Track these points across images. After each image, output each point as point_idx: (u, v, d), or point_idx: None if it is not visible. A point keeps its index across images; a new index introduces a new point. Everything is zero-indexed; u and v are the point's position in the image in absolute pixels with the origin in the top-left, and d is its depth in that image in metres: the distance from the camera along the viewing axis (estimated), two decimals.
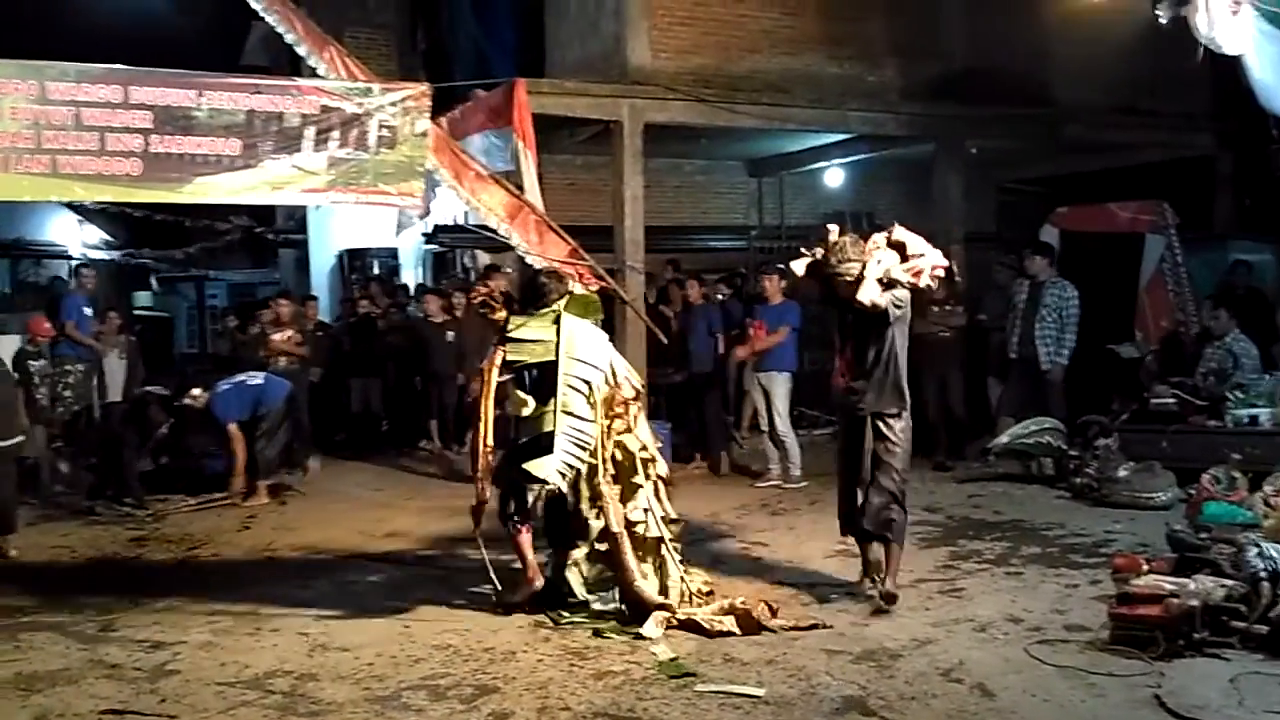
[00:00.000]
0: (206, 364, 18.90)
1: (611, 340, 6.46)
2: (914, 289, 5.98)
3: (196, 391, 9.72)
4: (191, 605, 6.30)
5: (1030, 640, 5.33)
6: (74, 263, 15.65)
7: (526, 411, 5.98)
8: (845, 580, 6.43)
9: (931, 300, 10.03)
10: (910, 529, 7.60)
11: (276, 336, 10.92)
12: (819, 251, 6.08)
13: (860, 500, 6.06)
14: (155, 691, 4.93)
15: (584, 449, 5.76)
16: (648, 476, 6.09)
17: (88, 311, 10.78)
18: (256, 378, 9.84)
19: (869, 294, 5.75)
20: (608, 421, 6.00)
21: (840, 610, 5.90)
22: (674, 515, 6.20)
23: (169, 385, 11.06)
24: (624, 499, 5.95)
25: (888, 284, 5.83)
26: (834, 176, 14.91)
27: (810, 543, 7.35)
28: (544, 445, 5.68)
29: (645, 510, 5.97)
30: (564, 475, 5.74)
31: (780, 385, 9.51)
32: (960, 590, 6.24)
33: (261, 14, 7.37)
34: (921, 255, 5.96)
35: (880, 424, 5.96)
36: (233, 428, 9.42)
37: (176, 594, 6.53)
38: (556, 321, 6.00)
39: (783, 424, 9.51)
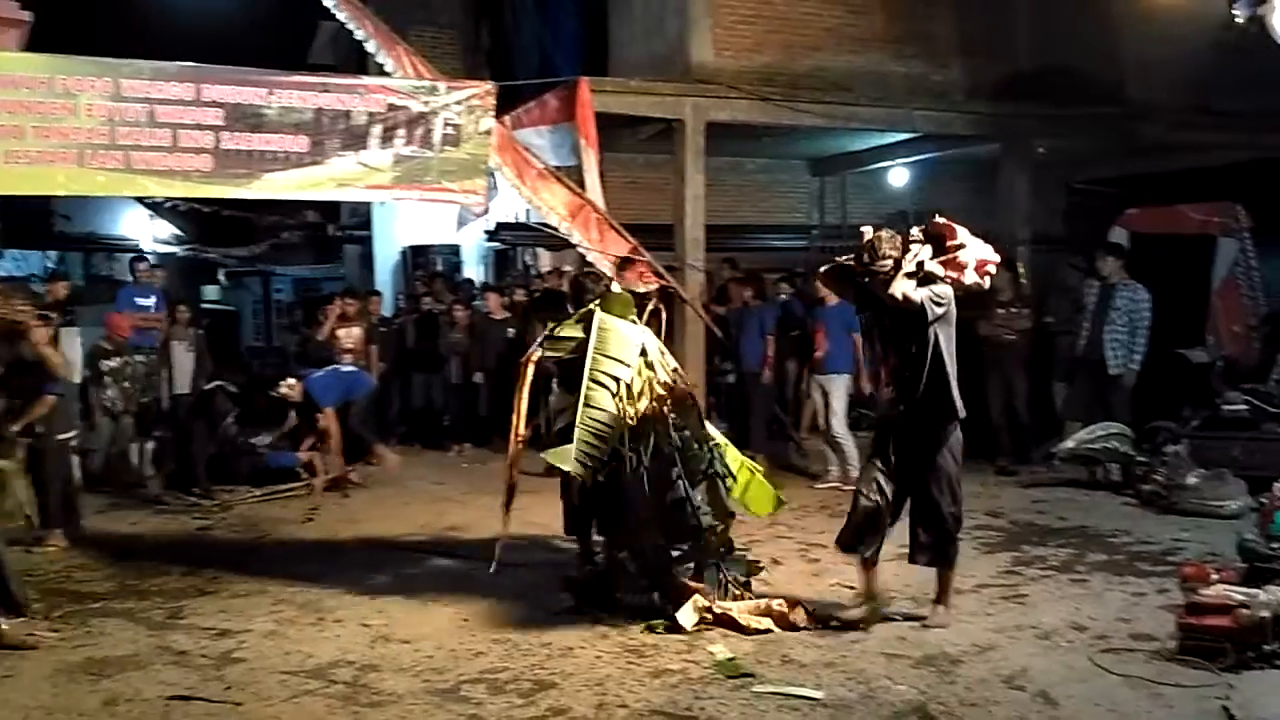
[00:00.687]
0: (272, 358, 19.22)
1: (670, 338, 6.52)
2: (961, 286, 5.51)
3: (291, 381, 9.91)
4: (256, 594, 6.41)
5: (1095, 649, 5.25)
6: (129, 256, 15.96)
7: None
8: (905, 584, 6.37)
9: (997, 302, 9.92)
10: (972, 533, 7.60)
11: (342, 333, 11.07)
12: (849, 257, 5.71)
13: (911, 525, 5.62)
14: (221, 678, 5.02)
15: (604, 442, 5.89)
16: (700, 469, 6.17)
17: (142, 302, 10.96)
18: (347, 368, 10.23)
19: (900, 288, 5.31)
20: (651, 413, 6.13)
21: (900, 614, 5.84)
22: (730, 509, 6.27)
23: (236, 378, 11.26)
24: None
25: (924, 279, 5.39)
26: (898, 176, 14.78)
27: None
28: (569, 437, 5.92)
29: (683, 500, 6.07)
30: (584, 465, 5.84)
31: (839, 386, 9.44)
32: (1023, 596, 6.16)
33: (334, 12, 7.46)
34: (962, 246, 5.45)
35: (929, 437, 5.52)
36: (329, 411, 9.75)
37: (242, 583, 6.64)
38: (588, 320, 6.23)
39: (839, 425, 9.45)
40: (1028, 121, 12.04)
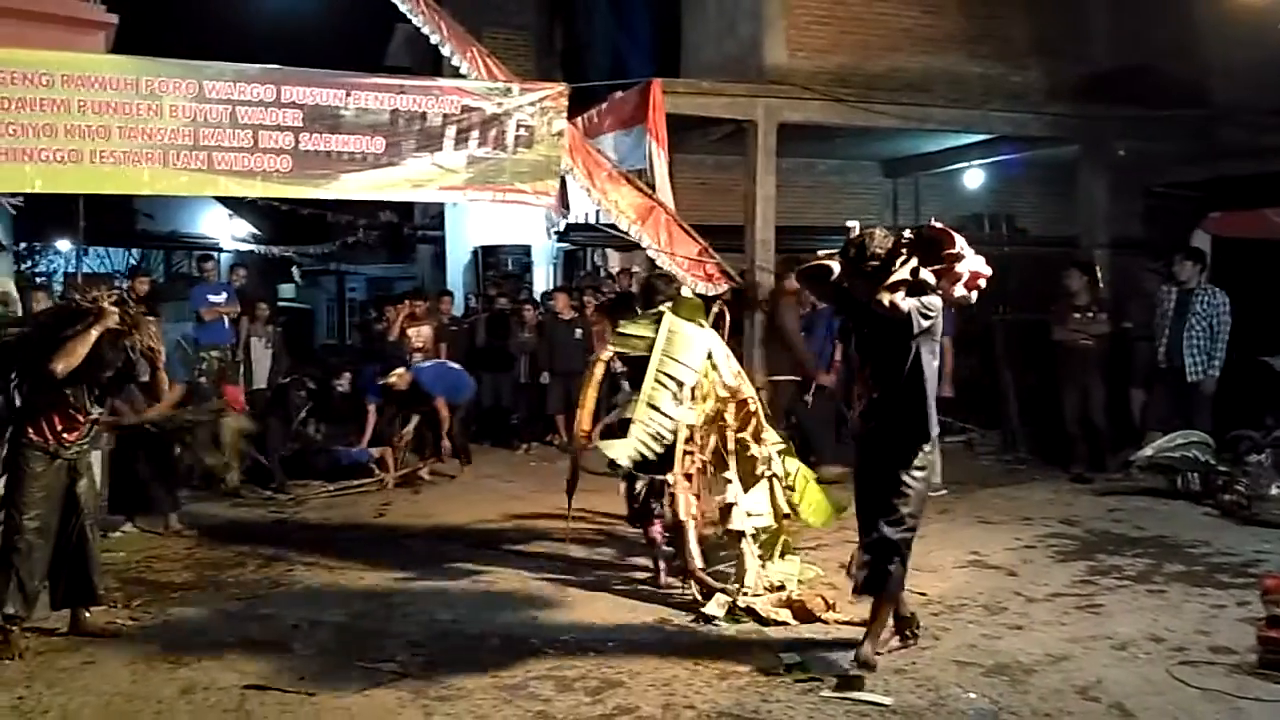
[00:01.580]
0: (346, 355, 19.52)
1: (738, 340, 6.57)
2: (950, 298, 5.05)
3: (401, 370, 10.07)
4: (330, 586, 6.51)
5: (1173, 661, 5.14)
6: (198, 255, 16.32)
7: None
8: (975, 590, 6.30)
9: (1073, 306, 9.75)
10: (1046, 541, 7.50)
11: (412, 332, 11.22)
12: (829, 253, 5.22)
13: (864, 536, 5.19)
14: (295, 669, 5.10)
15: (658, 440, 5.99)
16: (756, 473, 6.26)
17: (213, 299, 11.19)
18: (454, 365, 10.56)
19: (888, 294, 4.80)
20: (711, 417, 6.24)
21: (971, 622, 5.77)
22: (786, 511, 6.36)
23: (311, 375, 11.45)
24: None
25: (914, 288, 4.90)
26: (973, 178, 14.60)
27: (940, 552, 7.20)
28: (626, 431, 6.01)
29: (731, 504, 6.15)
30: (634, 460, 5.94)
31: None
32: (1099, 606, 6.04)
33: (409, 15, 7.56)
34: (959, 256, 4.97)
35: (895, 457, 5.03)
36: (440, 402, 9.97)
37: (315, 576, 6.76)
38: (658, 321, 6.31)
39: None
40: (1107, 123, 11.82)
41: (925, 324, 4.89)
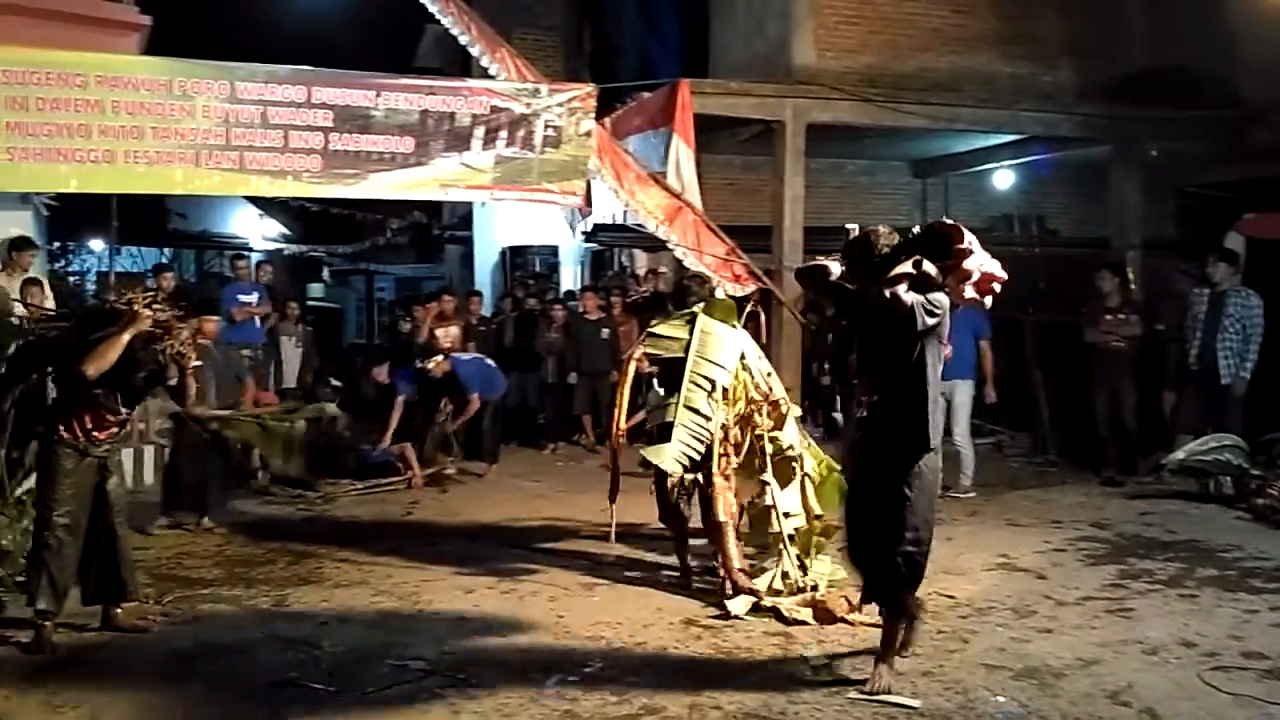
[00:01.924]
0: (373, 355, 19.61)
1: (767, 340, 6.56)
2: (959, 298, 4.83)
3: (440, 358, 10.10)
4: (358, 585, 6.54)
5: (1204, 666, 5.09)
6: (230, 254, 16.45)
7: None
8: (1004, 593, 6.26)
9: (1104, 308, 9.67)
10: (1076, 545, 7.44)
11: (440, 332, 11.25)
12: (834, 256, 4.98)
13: (862, 561, 4.96)
14: (323, 666, 5.13)
15: (701, 442, 6.03)
16: (788, 473, 6.27)
17: (244, 299, 11.26)
18: (490, 361, 10.59)
19: (890, 286, 4.54)
20: (743, 417, 6.26)
21: (1000, 625, 5.73)
22: (818, 512, 6.34)
23: (339, 375, 11.53)
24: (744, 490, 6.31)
25: (921, 284, 4.62)
26: (1002, 178, 14.52)
27: (969, 554, 7.16)
28: (667, 435, 6.02)
29: (769, 507, 6.19)
30: (680, 465, 5.99)
31: (963, 392, 9.01)
32: (1129, 610, 5.99)
33: (438, 16, 7.60)
34: (968, 253, 4.72)
35: (895, 466, 4.72)
36: (474, 397, 10.01)
37: (344, 573, 6.79)
38: (691, 322, 6.32)
39: (962, 434, 9.07)
40: (1139, 124, 11.74)
41: (930, 321, 4.60)
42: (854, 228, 5.08)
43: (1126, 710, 4.60)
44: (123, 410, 5.60)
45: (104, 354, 5.33)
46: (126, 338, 5.39)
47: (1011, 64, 11.79)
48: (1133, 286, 10.42)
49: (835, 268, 4.91)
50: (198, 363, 6.05)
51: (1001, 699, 4.70)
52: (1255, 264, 10.03)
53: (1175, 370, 10.03)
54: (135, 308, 5.49)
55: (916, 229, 4.92)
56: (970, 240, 4.74)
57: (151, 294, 5.96)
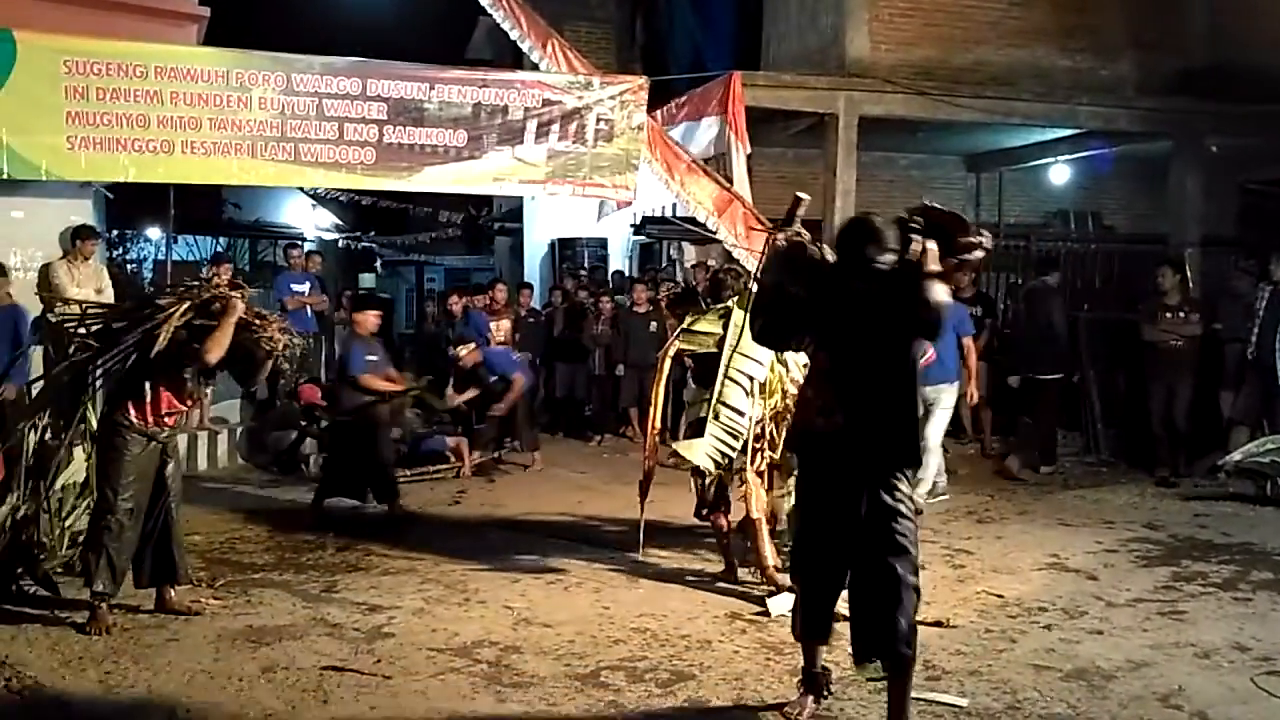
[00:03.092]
0: (422, 344, 19.76)
1: None
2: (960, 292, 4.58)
3: (471, 346, 10.16)
4: (406, 573, 6.60)
5: (1258, 670, 5.00)
6: (283, 244, 16.64)
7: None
8: (1054, 594, 6.19)
9: (1164, 306, 9.51)
10: (1128, 545, 7.35)
11: (492, 325, 11.32)
12: (786, 235, 4.47)
13: (861, 608, 4.17)
14: (371, 652, 5.18)
15: (736, 438, 6.00)
16: None
17: (297, 288, 11.37)
18: (517, 355, 10.74)
19: (938, 293, 4.01)
20: (779, 412, 6.23)
21: (1049, 625, 5.67)
22: None
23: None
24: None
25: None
26: (1059, 173, 14.32)
27: (1018, 554, 7.09)
28: (700, 431, 6.01)
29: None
30: (715, 461, 5.97)
31: (947, 396, 8.45)
32: (1182, 613, 5.90)
33: (488, 9, 7.63)
34: (977, 246, 4.29)
35: (886, 489, 4.11)
36: (518, 375, 10.18)
37: (392, 561, 6.86)
38: (726, 316, 6.26)
39: (936, 437, 8.42)
40: (1200, 118, 11.54)
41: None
42: (805, 197, 4.64)
43: (1178, 713, 4.54)
44: (205, 392, 5.72)
45: (221, 339, 5.48)
46: (232, 322, 5.52)
47: (1069, 57, 11.63)
48: (1190, 285, 10.23)
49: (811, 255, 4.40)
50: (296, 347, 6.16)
51: (1049, 700, 4.65)
52: None
53: (1234, 370, 9.85)
54: (230, 297, 5.60)
55: (909, 214, 4.24)
56: (969, 231, 4.33)
57: (234, 279, 6.07)
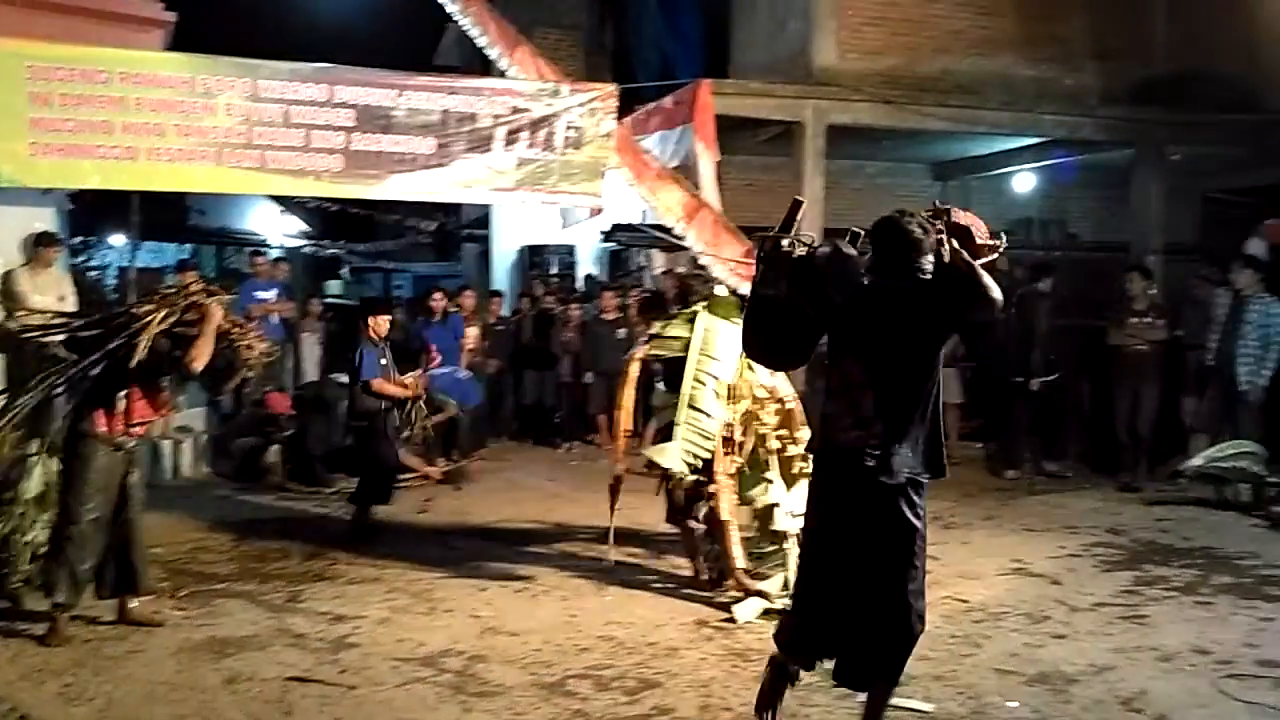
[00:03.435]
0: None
1: None
2: None
3: (418, 372, 10.04)
4: (371, 582, 6.57)
5: (1219, 673, 5.07)
6: (248, 251, 16.54)
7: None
8: (1018, 598, 6.24)
9: (1131, 310, 9.62)
10: (1091, 550, 7.41)
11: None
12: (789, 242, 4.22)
13: (869, 631, 4.02)
14: (336, 662, 5.16)
15: (706, 439, 6.03)
16: (795, 472, 6.22)
17: (262, 295, 11.29)
18: (464, 373, 10.65)
19: (990, 280, 3.89)
20: (748, 415, 6.25)
21: (1013, 630, 5.72)
22: None
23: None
24: (749, 487, 6.25)
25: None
26: (1024, 181, 14.44)
27: (984, 559, 7.14)
28: (671, 434, 6.04)
29: (773, 505, 6.17)
30: (686, 464, 5.99)
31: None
32: (1144, 617, 5.96)
33: (456, 17, 7.60)
34: (995, 249, 4.12)
35: (907, 498, 3.98)
36: (450, 405, 10.07)
37: (358, 570, 6.82)
38: (694, 320, 6.33)
39: None
40: (1163, 127, 11.68)
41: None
42: (803, 200, 4.40)
43: (1140, 717, 4.59)
44: (178, 400, 5.69)
45: (205, 347, 5.46)
46: (213, 330, 5.49)
47: (1034, 66, 11.74)
48: (1152, 291, 10.35)
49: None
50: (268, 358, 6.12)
51: (1014, 704, 4.69)
52: (1276, 270, 9.96)
53: (1195, 376, 9.97)
54: (206, 304, 5.57)
55: (933, 216, 4.09)
56: (984, 232, 4.18)
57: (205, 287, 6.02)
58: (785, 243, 4.18)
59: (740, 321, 6.33)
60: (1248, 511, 8.53)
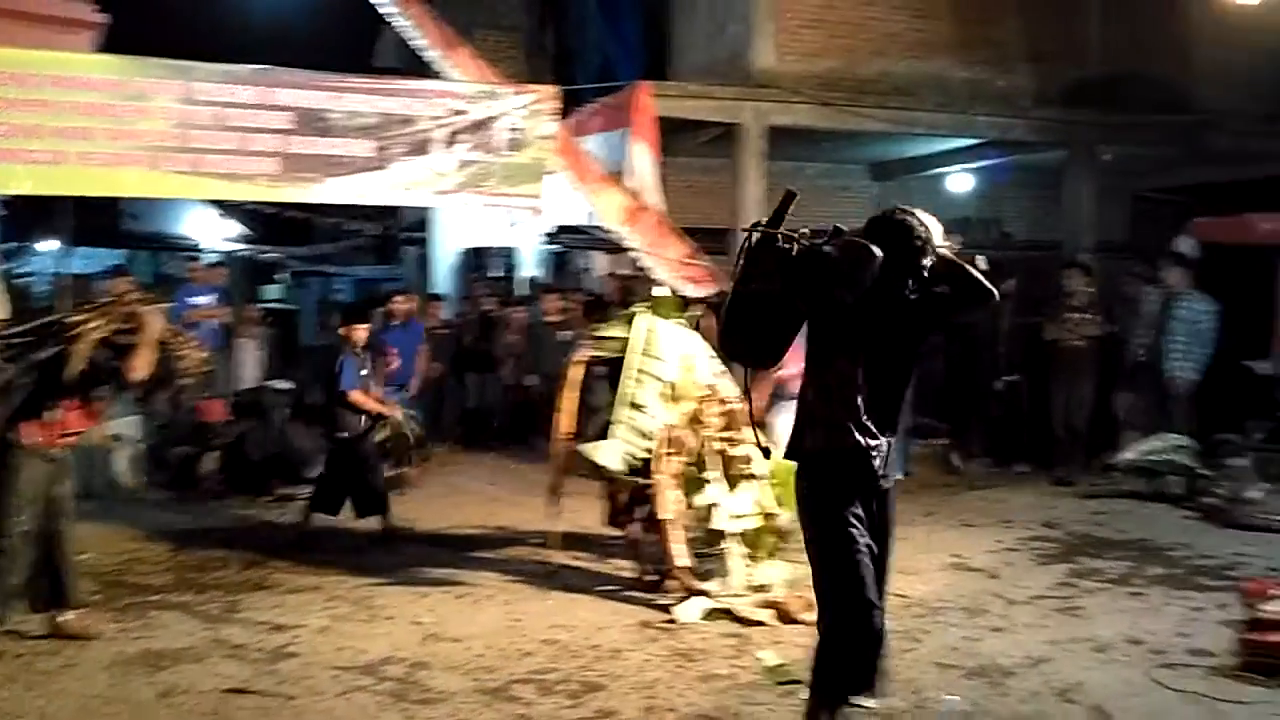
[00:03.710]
0: (328, 357, 19.43)
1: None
2: None
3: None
4: (311, 590, 6.49)
5: (1152, 663, 5.17)
6: (183, 256, 16.30)
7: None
8: (957, 593, 6.33)
9: (1069, 306, 9.78)
10: (1028, 544, 7.55)
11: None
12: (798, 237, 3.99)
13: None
14: (275, 673, 5.09)
15: (645, 438, 6.05)
16: (738, 473, 6.27)
17: (198, 300, 11.12)
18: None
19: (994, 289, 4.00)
20: (691, 415, 6.28)
21: (952, 624, 5.79)
22: (772, 510, 6.32)
23: (293, 377, 11.40)
24: (693, 489, 6.24)
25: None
26: (960, 182, 14.64)
27: (923, 554, 7.21)
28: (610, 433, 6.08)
29: (713, 504, 6.19)
30: (623, 462, 6.02)
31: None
32: (1079, 609, 6.07)
33: (393, 20, 7.54)
34: (951, 245, 4.19)
35: (893, 499, 4.10)
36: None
37: (297, 579, 6.74)
38: (633, 320, 6.39)
39: None
40: (1093, 128, 11.89)
41: None
42: (795, 191, 4.14)
43: (1075, 708, 4.67)
44: (111, 408, 5.61)
45: (146, 356, 5.39)
46: (151, 339, 5.42)
47: (968, 69, 11.89)
48: (1091, 289, 10.55)
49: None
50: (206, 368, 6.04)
51: (954, 698, 4.74)
52: (1207, 267, 10.20)
53: (1127, 372, 10.18)
54: (143, 314, 5.49)
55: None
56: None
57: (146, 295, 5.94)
58: (781, 238, 3.98)
59: (681, 321, 6.41)
60: (1179, 503, 8.72)
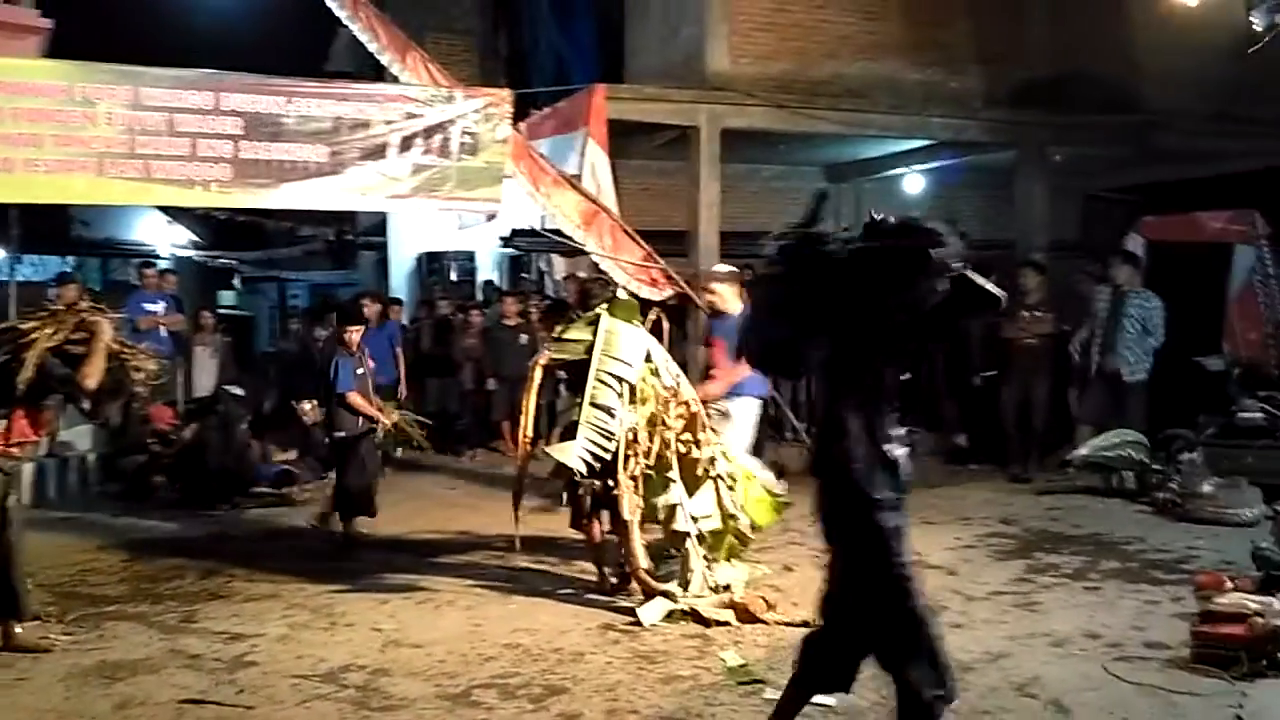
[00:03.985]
0: (285, 363, 19.27)
1: (683, 345, 6.59)
2: None
3: (314, 403, 9.81)
4: (269, 598, 6.43)
5: (1108, 657, 5.23)
6: (136, 262, 16.09)
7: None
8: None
9: (1023, 305, 9.90)
10: (985, 540, 7.62)
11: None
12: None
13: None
14: (233, 682, 5.04)
15: (608, 438, 6.04)
16: (699, 474, 6.29)
17: (150, 308, 11.00)
18: None
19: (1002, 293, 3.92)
20: (653, 417, 6.27)
21: None
22: (733, 512, 6.36)
23: (251, 383, 11.29)
24: (655, 491, 6.26)
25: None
26: (913, 183, 14.75)
27: None
28: (573, 434, 6.06)
29: (675, 505, 6.20)
30: (586, 462, 5.99)
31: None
32: (1036, 604, 6.14)
33: (345, 22, 7.50)
34: None
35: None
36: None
37: (255, 587, 6.67)
38: (595, 323, 6.36)
39: None
40: (1044, 129, 12.02)
41: None
42: (827, 188, 4.03)
43: (1033, 702, 4.71)
44: (58, 421, 5.53)
45: (97, 365, 5.33)
46: (103, 347, 5.36)
47: (920, 70, 11.98)
48: (1040, 288, 10.67)
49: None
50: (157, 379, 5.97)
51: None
52: (1157, 265, 10.37)
53: (1079, 368, 10.31)
54: (95, 320, 5.41)
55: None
56: None
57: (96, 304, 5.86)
58: (832, 245, 3.89)
59: (640, 323, 6.43)
60: (1133, 498, 8.84)
